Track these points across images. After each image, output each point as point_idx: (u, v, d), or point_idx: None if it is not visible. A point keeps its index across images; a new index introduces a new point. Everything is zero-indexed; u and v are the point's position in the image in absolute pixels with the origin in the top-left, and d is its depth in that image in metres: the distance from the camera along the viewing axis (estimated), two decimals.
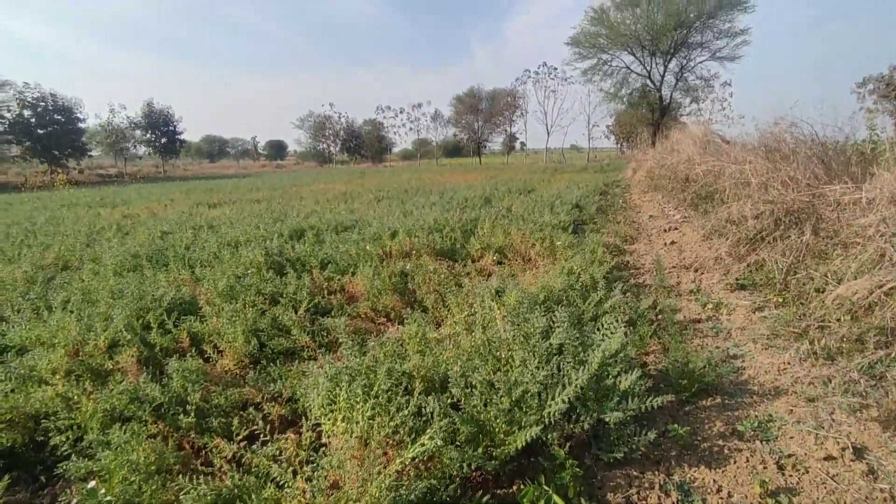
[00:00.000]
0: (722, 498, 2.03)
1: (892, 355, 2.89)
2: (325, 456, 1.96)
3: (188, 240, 7.00)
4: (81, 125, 43.30)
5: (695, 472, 2.18)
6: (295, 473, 1.96)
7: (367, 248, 5.89)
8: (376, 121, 74.50)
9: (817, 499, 1.99)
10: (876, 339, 3.09)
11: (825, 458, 2.20)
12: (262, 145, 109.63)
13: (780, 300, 4.17)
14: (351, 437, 2.06)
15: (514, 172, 27.45)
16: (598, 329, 2.98)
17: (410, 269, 5.05)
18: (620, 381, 2.43)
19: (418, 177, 25.28)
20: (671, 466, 2.22)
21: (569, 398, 2.20)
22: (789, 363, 3.16)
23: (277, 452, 2.14)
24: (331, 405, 2.29)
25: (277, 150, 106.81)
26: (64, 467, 2.10)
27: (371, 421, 2.08)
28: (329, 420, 2.24)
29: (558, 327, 2.86)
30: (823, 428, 2.43)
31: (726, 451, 2.31)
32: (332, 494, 1.80)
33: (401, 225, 7.11)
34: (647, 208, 10.81)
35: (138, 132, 52.27)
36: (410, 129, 71.32)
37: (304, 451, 2.12)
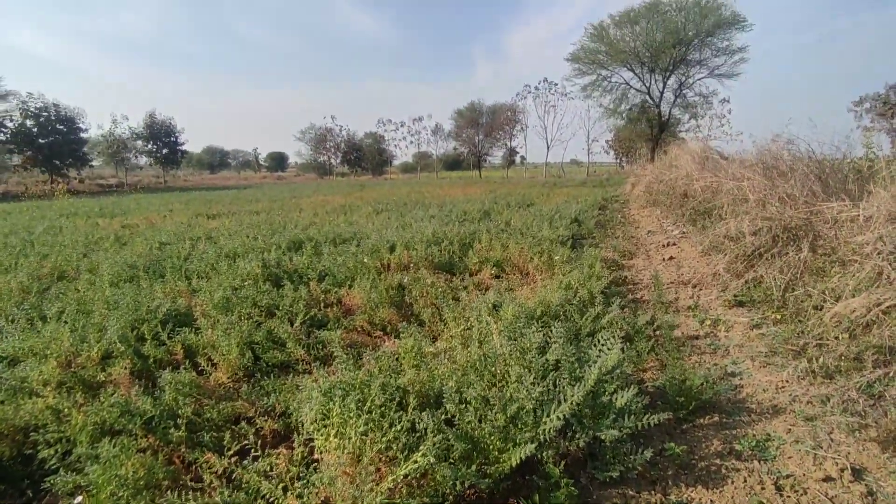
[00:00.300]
0: None
1: (891, 374, 2.87)
2: (317, 472, 1.93)
3: (186, 251, 6.99)
4: (83, 135, 43.50)
5: (692, 492, 2.15)
6: (286, 490, 1.93)
7: (365, 260, 5.88)
8: (377, 134, 75.04)
9: None
10: (874, 357, 3.07)
11: (824, 479, 2.17)
12: (264, 157, 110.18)
13: (779, 317, 4.15)
14: (343, 452, 2.03)
15: (513, 186, 27.59)
16: (595, 345, 2.97)
17: (408, 282, 5.04)
18: (617, 398, 2.41)
19: (418, 190, 25.37)
20: (668, 486, 2.19)
21: (564, 415, 2.18)
22: (787, 381, 3.14)
23: (269, 468, 2.11)
24: (324, 420, 2.26)
25: (278, 161, 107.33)
26: (51, 481, 2.07)
27: (364, 436, 2.06)
28: (322, 435, 2.21)
29: (555, 343, 2.84)
30: (822, 448, 2.40)
31: (724, 471, 2.27)
32: None
33: (399, 238, 7.11)
34: (645, 223, 10.84)
35: (140, 143, 52.48)
36: (411, 142, 71.76)
37: (296, 467, 2.09)
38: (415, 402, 2.42)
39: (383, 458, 2.04)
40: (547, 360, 2.75)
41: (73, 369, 3.13)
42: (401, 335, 3.41)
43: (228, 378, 3.24)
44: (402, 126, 71.06)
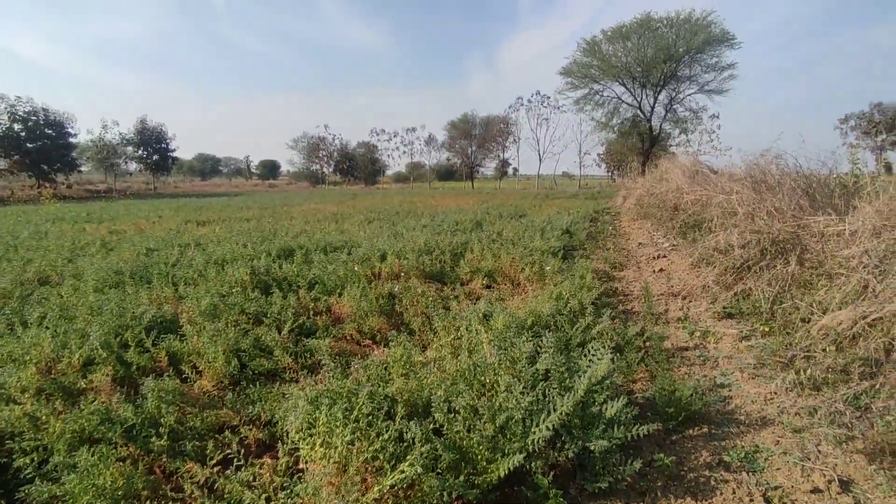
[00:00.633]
0: None
1: (877, 387, 2.89)
2: (301, 482, 1.89)
3: (174, 257, 6.91)
4: (72, 140, 43.11)
5: (680, 503, 2.13)
6: (269, 500, 1.88)
7: (356, 269, 5.85)
8: (370, 143, 75.15)
9: None
10: (860, 369, 3.09)
11: (812, 491, 2.16)
12: (255, 164, 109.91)
13: (767, 329, 4.18)
14: (329, 462, 1.99)
15: (506, 197, 27.72)
16: (585, 355, 2.96)
17: (398, 291, 5.01)
18: (606, 409, 2.39)
19: (410, 200, 25.40)
20: (657, 497, 2.17)
21: (554, 425, 2.16)
22: (776, 393, 3.14)
23: (252, 478, 2.06)
24: (310, 429, 2.22)
25: (270, 169, 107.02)
26: (26, 491, 2.00)
27: (350, 446, 2.02)
28: (307, 444, 2.16)
29: (545, 352, 2.83)
30: (810, 459, 2.40)
31: (713, 483, 2.26)
32: None
33: (390, 247, 7.09)
34: (636, 236, 10.92)
35: (130, 148, 52.03)
36: (404, 152, 71.97)
37: (280, 476, 2.04)
38: (403, 411, 2.39)
39: (370, 468, 2.00)
40: (537, 369, 2.73)
41: (52, 376, 3.06)
42: (390, 344, 3.37)
43: (213, 386, 3.18)
44: (395, 136, 71.31)
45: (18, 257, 7.09)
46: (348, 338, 4.15)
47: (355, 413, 2.14)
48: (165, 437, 2.35)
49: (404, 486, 1.91)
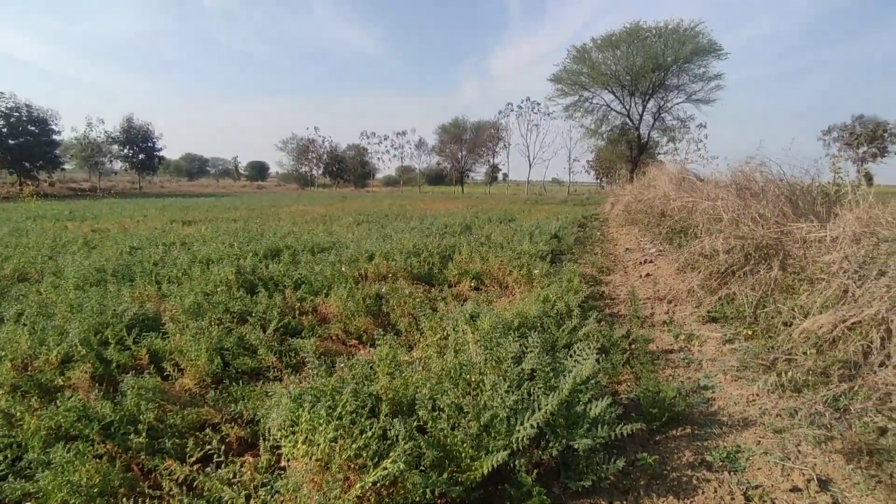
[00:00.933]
0: None
1: (855, 388, 2.94)
2: (282, 479, 1.86)
3: (158, 256, 6.81)
4: (56, 137, 42.32)
5: (663, 501, 2.14)
6: (248, 498, 1.85)
7: (343, 269, 5.81)
8: (360, 146, 75.03)
9: None
10: (840, 372, 3.14)
11: (791, 490, 2.19)
12: (244, 166, 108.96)
13: (750, 333, 4.23)
14: (311, 460, 1.97)
15: (495, 202, 27.82)
16: (571, 356, 2.97)
17: (386, 291, 4.99)
18: (591, 408, 2.40)
19: (400, 203, 25.37)
20: (639, 496, 2.18)
21: (538, 423, 2.16)
22: (758, 395, 3.18)
23: (232, 476, 2.03)
24: (292, 427, 2.19)
25: (259, 170, 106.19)
26: None
27: (333, 443, 2.00)
28: (289, 442, 2.13)
29: (530, 353, 2.83)
30: (790, 459, 2.42)
31: (695, 482, 2.28)
32: None
33: (379, 248, 7.07)
34: (623, 241, 11.01)
35: (115, 147, 51.21)
36: (394, 155, 71.95)
37: (261, 474, 2.01)
38: (388, 409, 2.37)
39: (352, 466, 1.98)
40: (522, 369, 2.73)
41: (29, 373, 2.99)
42: (376, 343, 3.35)
43: (196, 384, 3.13)
44: (385, 139, 71.31)
45: None
46: (334, 338, 4.12)
47: (338, 410, 2.11)
48: (144, 434, 2.31)
49: (387, 483, 1.89)
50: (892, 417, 2.60)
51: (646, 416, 2.83)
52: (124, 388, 2.64)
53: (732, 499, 2.15)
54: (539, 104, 54.11)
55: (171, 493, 1.94)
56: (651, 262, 8.00)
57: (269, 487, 1.86)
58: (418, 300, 4.70)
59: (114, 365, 3.22)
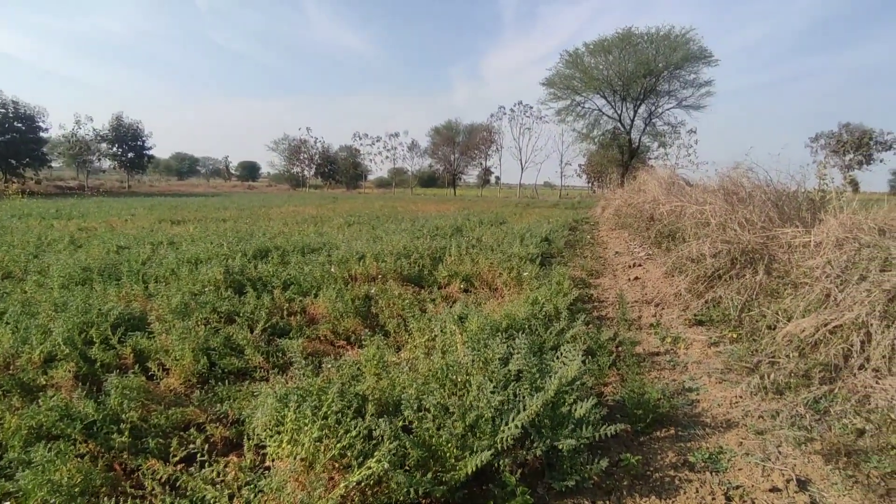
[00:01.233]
0: None
1: (836, 391, 2.99)
2: (265, 478, 1.86)
3: (145, 255, 6.75)
4: (43, 134, 41.73)
5: (645, 501, 2.16)
6: (232, 497, 1.85)
7: (333, 270, 5.80)
8: (353, 147, 74.81)
9: None
10: (821, 374, 3.20)
11: (770, 490, 2.22)
12: (235, 165, 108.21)
13: (735, 336, 4.28)
14: (295, 459, 1.97)
15: (487, 205, 27.89)
16: (558, 357, 2.99)
17: (375, 292, 4.99)
18: (576, 409, 2.42)
19: (392, 204, 25.36)
20: (622, 496, 2.20)
21: (523, 424, 2.17)
22: (741, 397, 3.22)
23: (216, 475, 2.02)
24: (277, 426, 2.19)
25: (250, 171, 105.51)
26: None
27: (318, 443, 2.00)
28: (274, 442, 2.13)
29: (517, 354, 2.85)
30: (770, 460, 2.46)
31: (677, 482, 2.30)
32: None
33: (369, 249, 7.06)
34: (613, 245, 11.09)
35: (104, 145, 50.55)
36: (386, 157, 71.78)
37: (244, 473, 2.00)
38: (374, 409, 2.37)
39: (337, 466, 1.98)
40: (509, 370, 2.75)
41: (10, 371, 2.95)
42: (364, 344, 3.35)
43: (181, 384, 3.11)
44: (377, 141, 71.14)
45: None
46: (322, 338, 4.11)
47: (324, 410, 2.11)
48: (127, 433, 2.29)
49: (371, 482, 1.90)
50: (870, 419, 2.65)
51: (630, 417, 2.86)
52: (108, 388, 2.62)
53: (713, 499, 2.18)
54: (531, 108, 54.41)
55: (153, 492, 1.93)
56: (640, 265, 8.06)
57: (252, 487, 1.85)
58: (407, 301, 4.70)
59: (98, 364, 3.19)
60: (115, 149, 50.97)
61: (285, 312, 4.51)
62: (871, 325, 3.19)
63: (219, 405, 2.72)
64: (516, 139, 62.67)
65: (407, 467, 2.06)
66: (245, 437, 2.21)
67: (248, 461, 2.06)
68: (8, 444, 2.23)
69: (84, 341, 3.41)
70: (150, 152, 54.52)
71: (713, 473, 2.37)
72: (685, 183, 11.69)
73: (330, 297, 4.59)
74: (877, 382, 2.90)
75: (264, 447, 2.18)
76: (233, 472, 2.07)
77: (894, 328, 3.07)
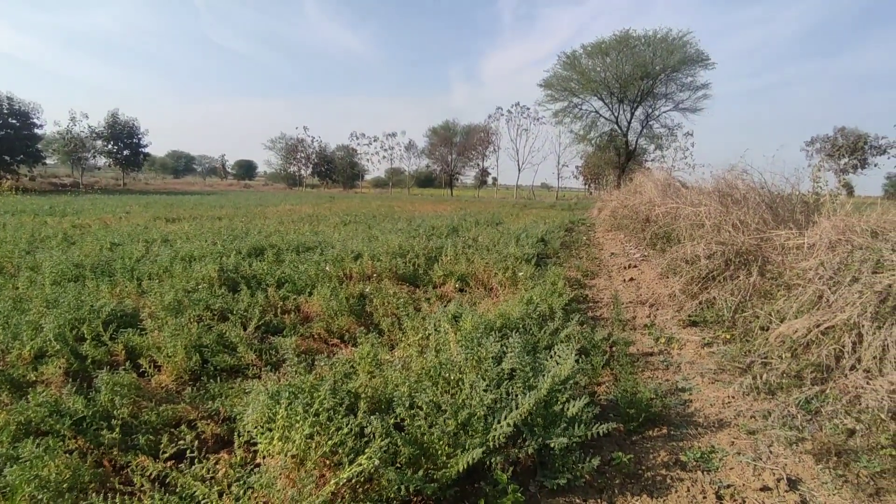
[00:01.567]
0: None
1: (827, 391, 3.00)
2: (256, 475, 1.85)
3: (139, 252, 6.71)
4: (38, 131, 41.48)
5: (637, 500, 2.16)
6: (222, 494, 1.84)
7: (327, 269, 5.79)
8: (350, 147, 74.62)
9: None
10: (812, 375, 3.21)
11: (761, 489, 2.23)
12: (231, 164, 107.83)
13: (728, 337, 4.30)
14: (286, 456, 1.96)
15: (484, 205, 27.91)
16: (552, 356, 2.99)
17: (370, 291, 4.98)
18: (568, 408, 2.42)
19: (388, 204, 25.34)
20: (614, 494, 2.20)
21: (515, 422, 2.17)
22: (733, 397, 3.23)
23: (207, 472, 2.01)
24: (269, 423, 2.17)
25: (246, 169, 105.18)
26: None
27: (309, 440, 1.99)
28: (265, 439, 2.12)
29: (511, 353, 2.85)
30: (761, 460, 2.47)
31: (669, 481, 2.31)
32: None
33: (365, 248, 7.05)
34: (609, 246, 11.12)
35: (99, 142, 50.27)
36: (383, 157, 71.61)
37: (234, 470, 1.99)
38: (366, 406, 2.37)
39: (328, 462, 1.97)
40: (502, 369, 2.75)
41: (0, 368, 2.93)
42: (358, 342, 3.34)
43: (173, 381, 3.09)
44: (374, 141, 70.98)
45: None
46: (316, 336, 4.10)
47: (315, 407, 2.10)
48: (117, 430, 2.27)
49: (362, 479, 1.89)
50: (861, 419, 2.67)
51: (623, 416, 2.86)
52: (98, 384, 2.61)
53: (704, 497, 2.18)
54: (529, 109, 54.46)
55: (142, 488, 1.92)
56: (635, 266, 8.09)
57: (242, 483, 1.84)
58: (402, 300, 4.70)
59: (89, 361, 3.17)
60: (110, 146, 50.72)
61: (279, 310, 4.49)
62: (863, 326, 3.20)
63: (210, 402, 2.70)
64: (513, 140, 62.59)
65: (398, 465, 2.05)
66: (236, 434, 2.20)
67: (239, 458, 2.05)
68: None
69: (75, 338, 3.39)
70: (146, 150, 54.33)
71: (705, 472, 2.37)
72: (681, 185, 11.73)
73: (324, 296, 4.58)
74: (868, 383, 2.92)
75: (255, 444, 2.17)
76: (223, 469, 2.06)
77: (885, 329, 3.09)
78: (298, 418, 2.07)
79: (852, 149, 53.32)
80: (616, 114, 37.24)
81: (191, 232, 9.68)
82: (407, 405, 2.24)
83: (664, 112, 36.47)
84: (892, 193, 55.54)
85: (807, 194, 7.09)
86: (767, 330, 3.99)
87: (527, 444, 2.21)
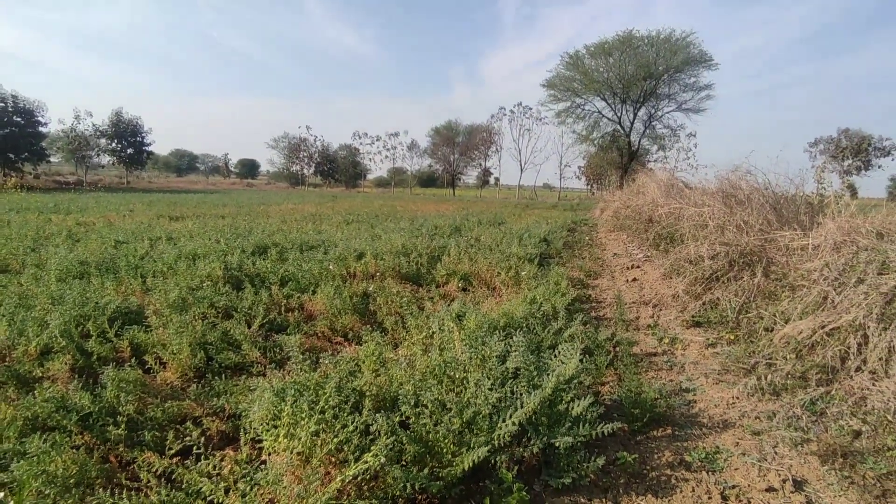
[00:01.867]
0: None
1: (832, 392, 3.00)
2: (262, 472, 1.85)
3: (143, 250, 6.73)
4: (42, 129, 41.59)
5: (641, 500, 2.16)
6: (228, 490, 1.84)
7: (331, 267, 5.79)
8: (352, 146, 74.68)
9: None
10: (818, 376, 3.20)
11: (767, 490, 2.23)
12: (234, 163, 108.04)
13: (732, 337, 4.29)
14: (292, 453, 1.96)
15: (486, 205, 27.91)
16: (556, 356, 2.99)
17: (373, 290, 4.99)
18: (573, 407, 2.42)
19: (391, 204, 25.35)
20: (619, 494, 2.20)
21: (520, 421, 2.17)
22: (738, 398, 3.23)
23: (213, 469, 2.01)
24: (274, 420, 2.18)
25: (249, 168, 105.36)
26: None
27: (315, 437, 1.99)
28: (271, 436, 2.12)
29: (515, 352, 2.85)
30: (767, 460, 2.47)
31: (673, 481, 2.30)
32: None
33: (368, 247, 7.05)
34: (612, 246, 11.10)
35: (103, 141, 50.39)
36: (386, 156, 71.71)
37: (240, 466, 2.00)
38: (371, 404, 2.37)
39: (333, 460, 1.98)
40: (507, 368, 2.75)
41: (6, 363, 2.94)
42: (363, 341, 3.35)
43: (178, 378, 3.10)
44: (377, 140, 71.06)
45: None
46: (320, 335, 4.10)
47: (321, 404, 2.11)
48: (123, 426, 2.28)
49: (367, 477, 1.90)
50: (867, 420, 2.66)
51: (627, 416, 2.86)
52: (104, 380, 2.62)
53: (710, 498, 2.18)
54: (531, 109, 54.46)
55: (148, 484, 1.92)
56: (638, 267, 8.07)
57: (248, 480, 1.84)
58: (405, 299, 4.70)
59: (94, 357, 3.19)
60: (114, 144, 50.82)
61: (283, 309, 4.50)
62: (869, 327, 3.20)
63: (215, 399, 2.71)
64: (516, 140, 62.80)
65: (403, 462, 2.06)
66: (241, 430, 2.20)
67: (245, 455, 2.05)
68: (3, 435, 2.21)
69: (81, 334, 3.40)
70: (150, 148, 54.42)
71: (709, 473, 2.37)
72: (684, 185, 11.71)
73: (328, 294, 4.59)
74: (873, 384, 2.91)
75: (261, 441, 2.18)
76: (229, 466, 2.06)
77: (891, 330, 3.08)
78: (304, 415, 2.07)
79: (856, 150, 53.14)
80: (619, 114, 37.21)
81: (194, 230, 9.71)
82: (412, 403, 2.24)
83: (667, 112, 36.46)
84: None
85: (811, 195, 7.07)
86: (772, 331, 3.98)
87: (532, 443, 2.21)
